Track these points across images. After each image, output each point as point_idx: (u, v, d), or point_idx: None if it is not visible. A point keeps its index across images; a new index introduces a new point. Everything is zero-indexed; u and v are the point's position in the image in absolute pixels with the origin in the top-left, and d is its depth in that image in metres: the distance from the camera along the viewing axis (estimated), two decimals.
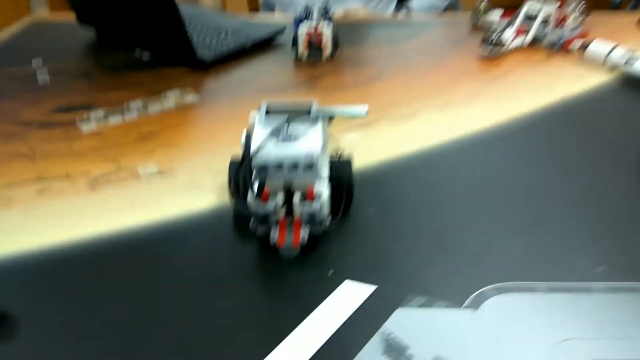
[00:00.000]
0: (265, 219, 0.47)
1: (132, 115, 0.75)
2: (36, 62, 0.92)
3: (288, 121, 0.48)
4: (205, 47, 0.93)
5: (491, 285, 0.46)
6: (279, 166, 0.45)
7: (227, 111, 0.77)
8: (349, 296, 0.45)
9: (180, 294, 0.46)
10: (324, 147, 0.51)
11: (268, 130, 0.47)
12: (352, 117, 0.73)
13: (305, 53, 0.94)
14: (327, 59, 0.94)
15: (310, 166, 0.45)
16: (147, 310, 0.45)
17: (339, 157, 0.53)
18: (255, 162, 0.45)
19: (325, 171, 0.50)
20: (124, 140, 0.69)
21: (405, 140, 0.69)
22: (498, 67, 0.91)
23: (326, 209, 0.48)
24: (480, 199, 0.58)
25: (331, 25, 0.92)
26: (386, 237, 0.53)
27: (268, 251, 0.48)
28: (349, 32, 1.03)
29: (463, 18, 1.12)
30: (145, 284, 0.48)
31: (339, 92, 0.83)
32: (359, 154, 0.56)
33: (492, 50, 0.92)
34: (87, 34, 1.03)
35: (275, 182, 0.46)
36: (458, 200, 0.58)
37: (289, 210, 0.47)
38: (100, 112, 0.76)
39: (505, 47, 0.93)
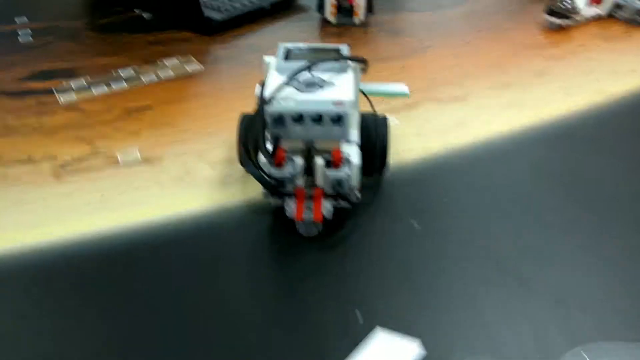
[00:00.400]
0: (279, 187, 0.39)
1: (120, 86, 0.62)
2: (20, 20, 0.80)
3: (311, 65, 0.39)
4: (214, 8, 0.79)
5: (582, 346, 0.33)
6: (298, 118, 0.37)
7: (234, 84, 0.63)
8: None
9: (164, 314, 0.34)
10: (355, 101, 0.43)
11: (284, 76, 0.38)
12: (391, 97, 0.60)
13: (334, 18, 0.79)
14: (360, 25, 0.79)
15: (339, 120, 0.37)
16: (119, 338, 0.33)
17: (374, 111, 0.45)
18: (269, 111, 0.36)
19: (355, 134, 0.42)
20: (105, 117, 0.56)
21: (454, 129, 0.54)
22: (567, 41, 0.74)
23: (356, 180, 0.40)
24: (558, 212, 0.43)
25: None
26: (429, 262, 0.39)
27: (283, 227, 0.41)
28: None
29: None
30: (118, 305, 0.35)
31: (374, 66, 0.65)
32: (396, 144, 0.43)
33: (560, 21, 0.76)
34: None
35: (293, 140, 0.38)
36: (528, 213, 0.43)
37: (310, 177, 0.39)
38: (82, 81, 0.63)
39: (576, 17, 0.76)
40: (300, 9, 0.85)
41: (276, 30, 0.79)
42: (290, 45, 0.43)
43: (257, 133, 0.36)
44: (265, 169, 0.37)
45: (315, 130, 0.37)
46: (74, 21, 0.81)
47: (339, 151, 0.38)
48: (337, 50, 0.43)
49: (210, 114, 0.57)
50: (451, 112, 0.57)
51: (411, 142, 0.52)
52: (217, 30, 0.77)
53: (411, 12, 0.85)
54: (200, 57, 0.69)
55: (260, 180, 0.37)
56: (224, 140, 0.51)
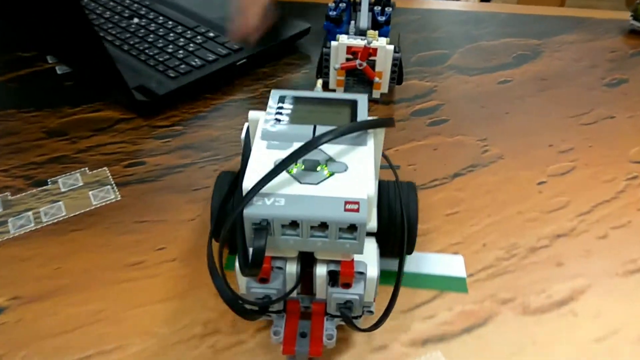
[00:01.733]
0: (261, 312, 0.29)
1: None
2: None
3: (319, 139, 0.27)
4: (160, 71, 0.51)
5: None
6: (293, 223, 0.25)
7: (174, 244, 0.37)
8: None
9: None
10: (375, 169, 0.31)
11: (276, 151, 0.28)
12: (434, 286, 0.34)
13: (342, 89, 0.52)
14: (381, 100, 0.52)
15: (352, 228, 0.25)
16: None
17: (396, 178, 0.34)
18: (247, 214, 0.25)
19: (372, 215, 0.31)
20: None
21: None
22: None
23: (372, 295, 0.29)
24: None
25: (391, 46, 0.49)
26: None
27: None
28: (414, 34, 0.59)
29: (603, 16, 0.66)
30: None
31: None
32: None
33: None
34: None
35: (284, 246, 0.26)
36: None
37: (306, 284, 0.29)
38: None
39: None
40: (293, 64, 0.57)
41: (249, 100, 0.52)
42: (285, 93, 0.32)
43: (229, 236, 0.26)
44: (241, 282, 0.28)
45: (315, 242, 0.26)
46: None
47: (350, 265, 0.28)
48: (353, 105, 0.31)
49: (108, 332, 0.32)
50: (554, 324, 0.31)
51: None
52: (157, 108, 0.49)
53: (458, 75, 0.57)
54: (122, 168, 0.43)
55: (231, 305, 0.26)
56: None
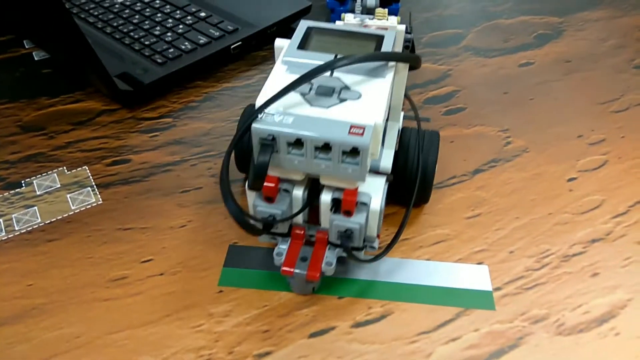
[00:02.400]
0: (266, 230, 0.28)
1: None
2: None
3: (334, 62, 0.27)
4: (146, 56, 0.46)
5: None
6: (297, 144, 0.26)
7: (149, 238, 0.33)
8: None
9: None
10: (395, 111, 0.34)
11: (295, 75, 0.28)
12: (459, 303, 0.31)
13: None
14: None
15: (355, 153, 0.26)
16: None
17: (418, 124, 0.34)
18: (255, 129, 0.26)
19: (388, 156, 0.32)
20: None
21: None
22: None
23: (375, 229, 0.29)
24: None
25: (403, 26, 0.44)
26: None
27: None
28: (426, 29, 0.54)
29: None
30: None
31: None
32: None
33: None
34: None
35: (289, 169, 0.27)
36: None
37: (314, 213, 0.30)
38: None
39: None
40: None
41: (245, 88, 0.47)
42: (313, 24, 0.32)
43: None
44: (250, 200, 0.29)
45: (318, 164, 0.27)
46: None
47: (352, 193, 0.28)
48: (379, 39, 0.31)
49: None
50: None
51: None
52: (143, 98, 0.44)
53: (475, 57, 0.52)
54: (104, 166, 0.38)
55: (239, 220, 0.25)
56: None
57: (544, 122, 0.44)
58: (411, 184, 0.33)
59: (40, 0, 0.35)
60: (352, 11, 0.47)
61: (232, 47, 0.48)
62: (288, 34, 0.54)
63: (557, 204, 0.37)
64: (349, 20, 0.44)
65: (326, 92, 0.28)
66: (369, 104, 0.27)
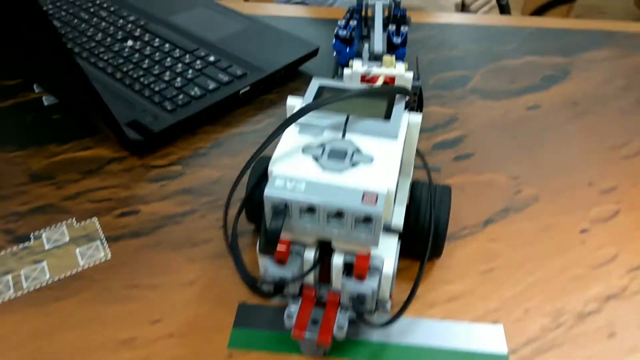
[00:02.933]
0: (280, 286, 0.28)
1: None
2: None
3: (346, 123, 0.29)
4: (156, 103, 0.46)
5: None
6: (310, 209, 0.26)
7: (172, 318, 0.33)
8: None
9: None
10: (407, 167, 0.34)
11: (307, 136, 0.29)
12: None
13: None
14: None
15: (368, 220, 0.25)
16: None
17: (429, 178, 0.34)
18: (267, 196, 0.26)
19: (400, 213, 0.32)
20: None
21: None
22: None
23: (387, 291, 0.29)
24: None
25: (410, 73, 0.44)
26: None
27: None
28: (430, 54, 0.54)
29: (634, 29, 0.61)
30: None
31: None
32: None
33: None
34: None
35: (301, 234, 0.27)
36: None
37: (325, 272, 0.29)
38: None
39: None
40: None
41: (254, 133, 0.47)
42: (325, 83, 0.33)
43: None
44: (262, 262, 0.29)
45: (331, 231, 0.27)
46: None
47: (365, 258, 0.27)
48: (392, 96, 0.32)
49: None
50: None
51: None
52: (153, 145, 0.45)
53: (482, 99, 0.52)
54: (113, 218, 0.38)
55: (248, 283, 0.27)
56: None
57: (554, 168, 0.44)
58: (423, 241, 0.33)
59: (50, 51, 0.36)
60: (359, 54, 0.47)
61: (241, 92, 0.49)
62: (295, 77, 0.55)
63: (570, 257, 0.37)
64: (357, 68, 0.44)
65: (338, 156, 0.28)
66: (381, 168, 0.27)
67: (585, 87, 0.54)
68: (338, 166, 0.27)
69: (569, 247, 0.37)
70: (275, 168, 0.27)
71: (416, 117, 0.31)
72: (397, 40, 0.48)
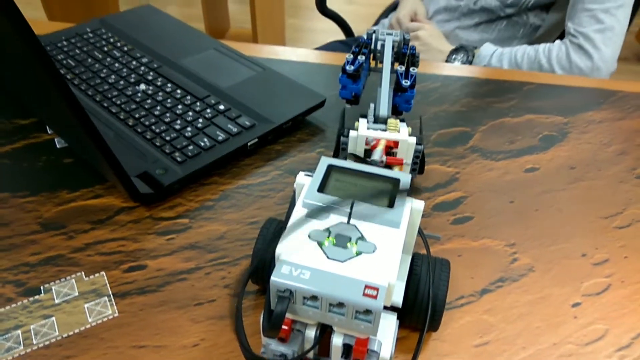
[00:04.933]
0: None
1: None
2: None
3: (351, 211, 0.31)
4: (167, 153, 0.48)
5: None
6: (314, 297, 0.28)
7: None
8: None
9: None
10: (408, 246, 0.35)
11: (314, 220, 0.31)
12: None
13: None
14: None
15: (368, 312, 0.27)
16: None
17: (428, 254, 0.35)
18: (275, 281, 0.27)
19: (399, 289, 0.33)
20: None
21: None
22: None
23: None
24: None
25: (413, 139, 0.45)
26: None
27: None
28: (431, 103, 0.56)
29: (632, 89, 0.63)
30: None
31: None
32: None
33: None
34: None
35: (304, 315, 0.29)
36: None
37: (325, 346, 0.30)
38: None
39: None
40: (305, 140, 0.54)
41: (260, 186, 0.48)
42: (334, 162, 0.35)
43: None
44: (264, 339, 0.30)
45: (332, 317, 0.28)
46: None
47: (364, 343, 0.29)
48: (395, 183, 0.34)
49: None
50: None
51: None
52: (162, 197, 0.46)
53: (481, 159, 0.54)
54: (121, 272, 0.39)
55: (248, 356, 0.29)
56: None
57: (549, 236, 0.45)
58: (422, 316, 0.34)
59: (63, 106, 0.37)
60: (364, 115, 0.48)
61: (249, 144, 0.50)
62: (302, 127, 0.56)
63: (562, 332, 0.38)
64: (362, 130, 0.46)
65: (342, 243, 0.29)
66: (383, 260, 0.29)
67: (583, 151, 0.56)
68: (342, 254, 0.29)
69: (561, 322, 0.39)
70: (283, 254, 0.29)
71: (418, 204, 0.33)
72: (405, 83, 0.48)
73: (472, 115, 0.60)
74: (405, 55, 0.52)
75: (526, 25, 0.99)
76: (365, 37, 0.53)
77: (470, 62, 0.91)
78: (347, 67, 0.49)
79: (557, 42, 0.88)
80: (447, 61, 0.91)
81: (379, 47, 0.53)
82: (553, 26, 0.99)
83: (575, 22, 0.86)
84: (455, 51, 0.93)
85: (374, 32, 0.54)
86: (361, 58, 0.50)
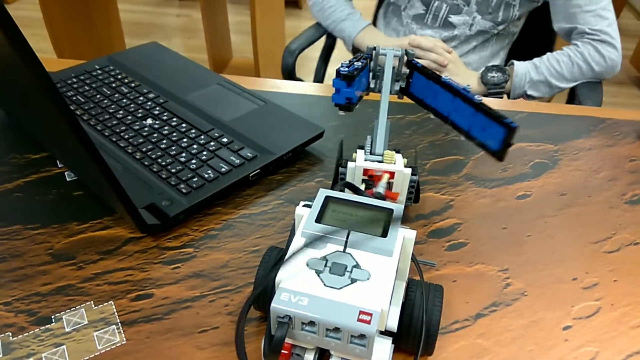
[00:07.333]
0: None
1: None
2: None
3: (347, 241, 0.33)
4: (172, 185, 0.50)
5: None
6: (311, 322, 0.29)
7: None
8: None
9: None
10: (402, 273, 0.36)
11: (312, 250, 0.33)
12: None
13: None
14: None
15: (363, 336, 0.29)
16: None
17: (421, 280, 0.37)
18: (276, 307, 0.29)
19: (394, 313, 0.34)
20: None
21: None
22: None
23: None
24: None
25: (409, 170, 0.47)
26: None
27: None
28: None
29: (622, 117, 0.65)
30: None
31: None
32: None
33: None
34: None
35: (302, 340, 0.31)
36: None
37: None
38: None
39: None
40: (306, 171, 0.56)
41: (262, 215, 0.50)
42: (331, 194, 0.37)
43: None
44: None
45: (329, 342, 0.30)
46: None
47: None
48: (389, 213, 0.35)
49: None
50: None
51: None
52: (168, 227, 0.48)
53: (475, 187, 0.56)
54: (128, 301, 0.41)
55: None
56: None
57: (541, 262, 0.47)
58: (416, 341, 0.36)
59: (71, 141, 0.39)
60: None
61: (251, 175, 0.52)
62: (302, 157, 0.58)
63: (554, 355, 0.39)
64: (360, 162, 0.48)
65: (339, 271, 0.31)
66: (377, 287, 0.31)
67: (573, 177, 0.58)
68: (338, 282, 0.31)
69: (553, 345, 0.40)
70: (283, 281, 0.31)
71: (410, 234, 0.35)
72: (478, 99, 0.45)
73: (466, 143, 0.62)
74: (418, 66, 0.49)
75: (509, 34, 1.08)
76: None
77: (506, 81, 0.97)
78: (342, 69, 0.45)
79: (578, 44, 0.96)
80: (482, 78, 0.97)
81: (379, 62, 0.50)
82: (522, 28, 1.10)
83: (582, 23, 0.95)
84: (488, 70, 0.98)
85: (374, 48, 0.51)
86: (357, 64, 0.47)
